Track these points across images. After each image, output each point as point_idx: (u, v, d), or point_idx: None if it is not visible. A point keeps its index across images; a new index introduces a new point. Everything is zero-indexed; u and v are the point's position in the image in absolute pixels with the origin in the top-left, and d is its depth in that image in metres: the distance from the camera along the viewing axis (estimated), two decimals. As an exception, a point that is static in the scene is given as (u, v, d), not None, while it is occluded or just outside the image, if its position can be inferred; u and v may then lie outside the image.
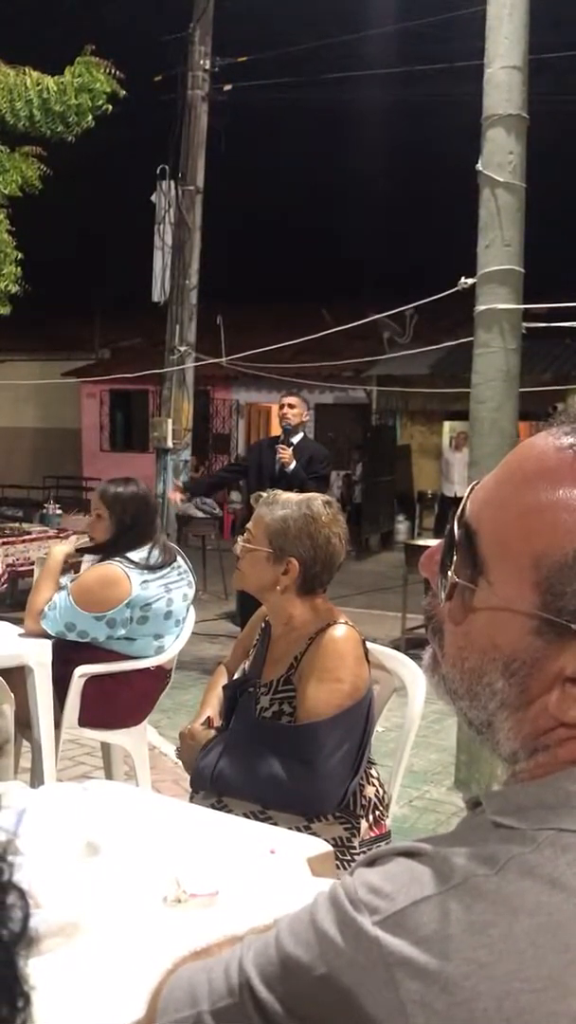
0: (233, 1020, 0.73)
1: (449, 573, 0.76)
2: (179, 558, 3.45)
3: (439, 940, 0.63)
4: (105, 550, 3.35)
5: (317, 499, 2.32)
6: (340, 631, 2.23)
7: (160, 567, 3.30)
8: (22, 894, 0.53)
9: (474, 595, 0.74)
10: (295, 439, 6.07)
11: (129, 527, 3.33)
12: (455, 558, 0.76)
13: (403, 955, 0.64)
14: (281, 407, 6.18)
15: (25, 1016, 0.52)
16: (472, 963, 0.62)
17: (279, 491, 2.39)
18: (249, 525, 2.36)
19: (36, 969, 0.54)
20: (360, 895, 0.68)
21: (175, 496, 7.20)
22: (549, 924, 0.62)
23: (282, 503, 2.30)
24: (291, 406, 6.12)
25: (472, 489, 0.79)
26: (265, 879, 1.58)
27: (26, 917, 0.52)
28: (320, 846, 1.77)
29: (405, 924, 0.65)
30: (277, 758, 2.15)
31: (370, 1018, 0.65)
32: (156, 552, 3.32)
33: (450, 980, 0.62)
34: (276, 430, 6.68)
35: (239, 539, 2.38)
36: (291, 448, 5.98)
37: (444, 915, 0.64)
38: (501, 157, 4.25)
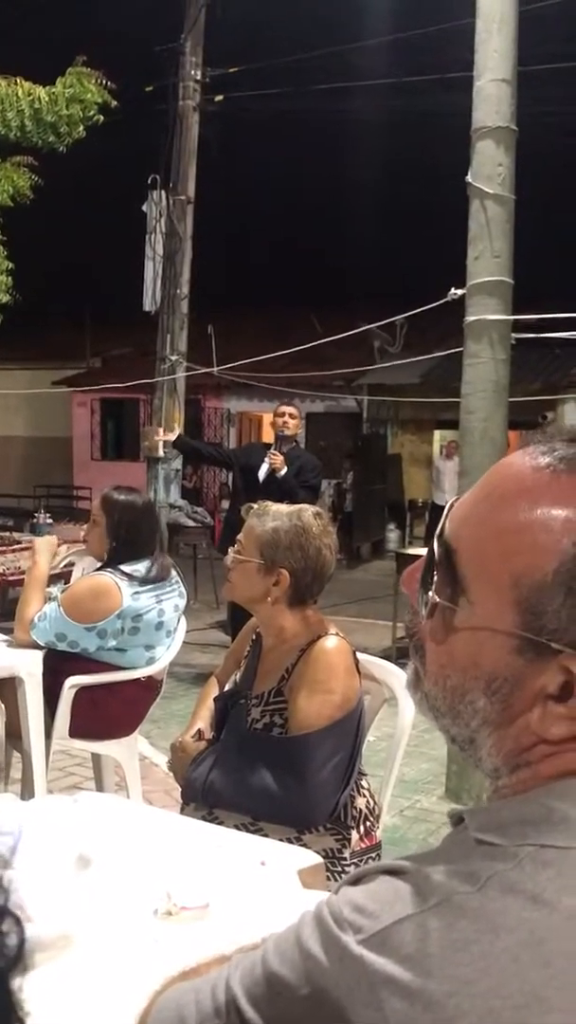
0: None
1: (429, 592, 0.76)
2: (173, 572, 3.43)
3: (422, 958, 0.64)
4: (104, 561, 3.34)
5: (308, 510, 2.32)
6: (331, 642, 2.23)
7: (154, 581, 3.29)
8: (17, 920, 0.53)
9: (455, 614, 0.75)
10: (285, 448, 6.08)
11: (125, 538, 3.30)
12: (435, 577, 0.76)
13: (387, 973, 0.64)
14: (281, 415, 6.17)
15: None
16: (455, 980, 0.62)
17: (269, 502, 2.39)
18: (240, 536, 2.36)
19: (27, 984, 0.54)
20: (344, 914, 0.69)
21: (159, 437, 6.97)
22: (531, 940, 0.62)
23: (273, 514, 2.30)
24: (292, 416, 6.13)
25: (451, 507, 0.79)
26: (256, 891, 1.58)
27: (21, 943, 0.53)
28: (311, 858, 1.77)
29: (389, 942, 0.65)
30: (268, 770, 2.15)
31: None
32: (155, 568, 3.28)
33: (433, 998, 0.62)
34: (268, 438, 6.69)
35: (230, 550, 2.39)
36: (281, 455, 5.99)
37: (427, 933, 0.64)
38: (490, 169, 4.28)
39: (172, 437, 7.18)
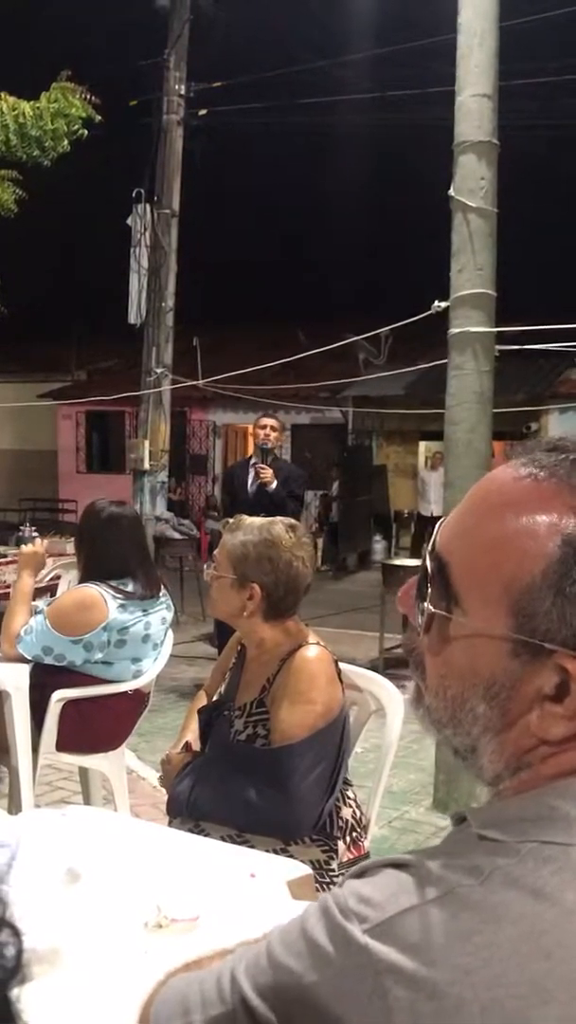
0: None
1: (425, 605, 0.79)
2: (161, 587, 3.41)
3: (426, 948, 0.65)
4: (84, 574, 3.33)
5: (279, 523, 2.31)
6: (312, 652, 2.24)
7: (140, 598, 3.25)
8: (15, 931, 0.54)
9: (450, 624, 0.77)
10: (269, 459, 6.09)
11: (89, 552, 3.26)
12: (430, 590, 0.79)
13: (391, 962, 0.66)
14: (263, 427, 6.17)
15: None
16: (457, 970, 0.64)
17: (245, 516, 2.39)
18: (216, 552, 2.37)
19: (22, 996, 0.55)
20: (350, 904, 0.70)
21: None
22: (532, 932, 0.64)
23: (244, 528, 2.30)
24: (274, 428, 6.14)
25: (441, 523, 0.82)
26: (245, 903, 1.58)
27: (19, 954, 0.53)
28: (300, 869, 1.78)
29: (393, 932, 0.67)
30: (251, 782, 2.15)
31: None
32: (136, 586, 3.23)
33: (436, 986, 0.64)
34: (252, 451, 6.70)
35: (205, 567, 2.40)
36: (269, 468, 6.00)
37: (431, 923, 0.66)
38: (473, 183, 4.32)
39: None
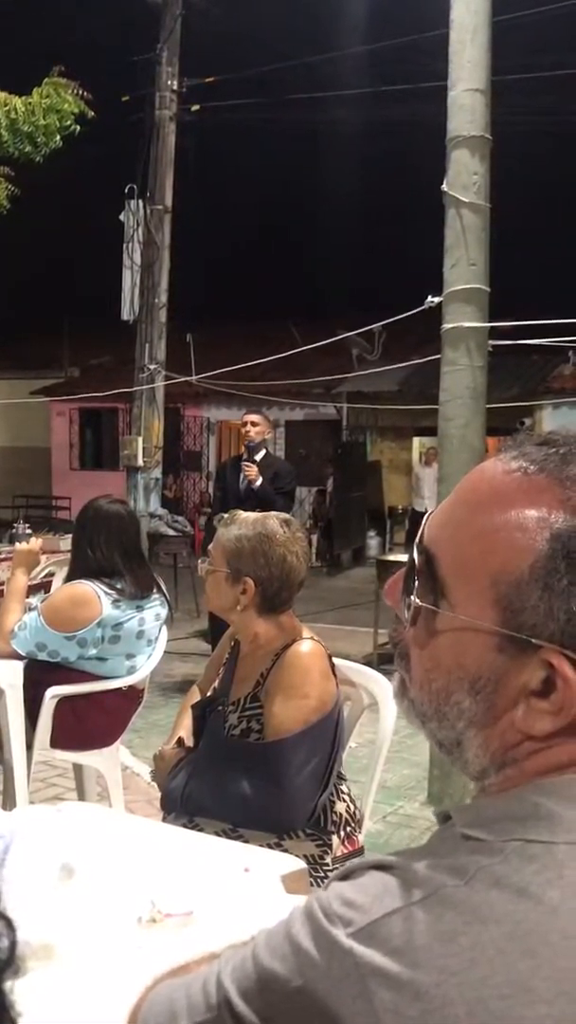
0: None
1: (411, 598, 0.79)
2: (155, 587, 3.40)
3: (411, 950, 0.65)
4: (70, 571, 3.33)
5: (272, 518, 2.32)
6: (305, 646, 2.24)
7: (131, 597, 3.25)
8: (9, 923, 0.54)
9: (437, 617, 0.77)
10: (258, 456, 6.10)
11: (75, 553, 3.26)
12: (416, 583, 0.79)
13: (376, 965, 0.66)
14: (244, 424, 6.23)
15: None
16: (443, 971, 0.64)
17: (238, 511, 2.40)
18: (210, 546, 2.38)
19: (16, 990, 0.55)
20: (334, 908, 0.70)
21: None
22: (516, 932, 0.64)
23: (238, 523, 2.32)
24: (253, 423, 6.16)
25: (428, 516, 0.82)
26: (240, 898, 1.58)
27: (12, 945, 0.53)
28: (294, 864, 1.78)
29: (378, 935, 0.67)
30: (246, 776, 2.16)
31: None
32: (125, 584, 3.22)
33: (422, 988, 0.64)
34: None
35: (199, 561, 2.40)
36: (255, 465, 6.01)
37: (415, 925, 0.66)
38: (466, 178, 4.32)
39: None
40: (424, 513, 0.84)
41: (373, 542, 15.08)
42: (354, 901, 0.70)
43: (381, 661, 6.33)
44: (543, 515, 0.72)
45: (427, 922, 0.66)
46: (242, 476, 6.03)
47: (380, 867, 0.72)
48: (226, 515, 2.39)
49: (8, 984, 0.53)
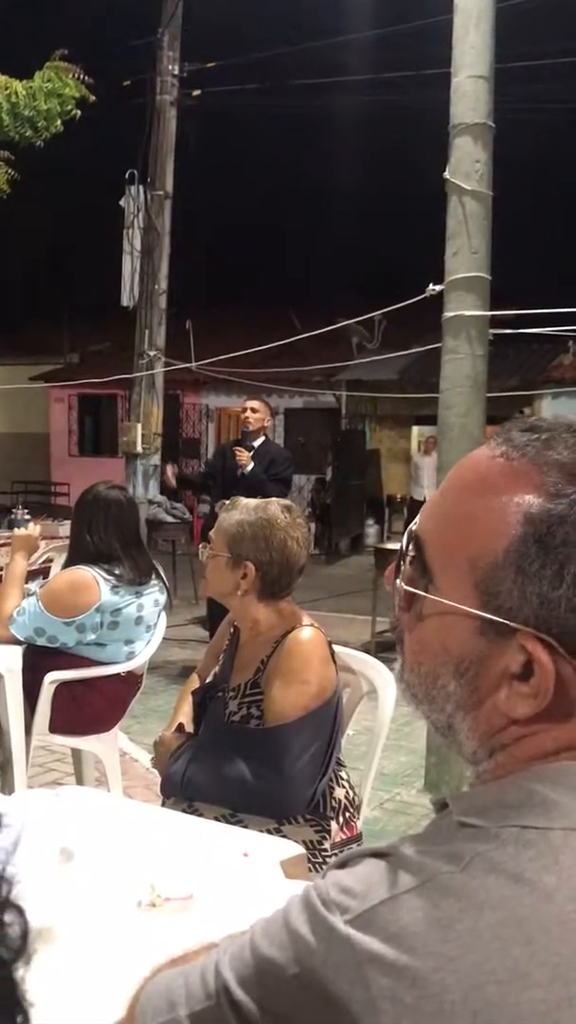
0: (211, 1022, 0.74)
1: (399, 582, 0.81)
2: (154, 574, 3.41)
3: (408, 936, 0.65)
4: (68, 557, 3.34)
5: (275, 503, 2.34)
6: (305, 633, 2.25)
7: (129, 583, 3.25)
8: (20, 911, 0.54)
9: (423, 602, 0.78)
10: (256, 443, 6.09)
11: (71, 542, 3.26)
12: (407, 568, 0.81)
13: (373, 952, 0.66)
14: (243, 410, 6.22)
15: None
16: (440, 957, 0.64)
17: (240, 497, 2.42)
18: (211, 531, 2.39)
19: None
20: (332, 895, 0.71)
21: (171, 473, 7.47)
22: (513, 918, 0.64)
23: (240, 508, 2.33)
24: (253, 410, 6.14)
25: (424, 505, 0.84)
26: (239, 882, 1.59)
27: (24, 934, 0.53)
28: (293, 849, 1.79)
29: (375, 922, 0.67)
30: (246, 762, 2.17)
31: (344, 1015, 0.66)
32: (123, 570, 3.23)
33: (419, 974, 0.64)
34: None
35: (200, 546, 2.41)
36: (252, 452, 6.00)
37: (412, 912, 0.66)
38: (468, 165, 4.30)
39: (173, 474, 7.46)
40: (422, 502, 0.86)
41: (371, 530, 15.09)
42: (351, 888, 0.70)
43: (379, 649, 6.33)
44: (519, 499, 0.73)
45: (424, 909, 0.66)
46: (236, 460, 6.03)
47: (377, 854, 0.73)
48: (228, 501, 2.40)
49: (20, 972, 0.53)
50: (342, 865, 0.75)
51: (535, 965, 0.63)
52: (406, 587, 0.80)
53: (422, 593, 0.78)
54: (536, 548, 0.71)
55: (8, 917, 0.53)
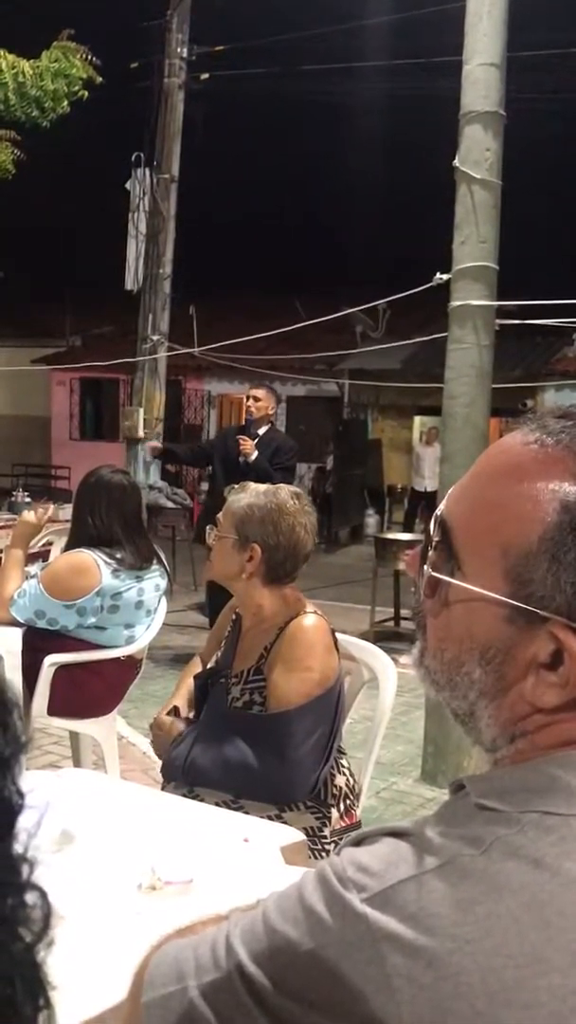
0: (220, 995, 0.74)
1: (426, 568, 0.80)
2: (155, 559, 3.40)
3: (425, 917, 0.65)
4: (69, 540, 3.33)
5: (285, 489, 2.35)
6: (309, 620, 2.25)
7: (129, 567, 3.25)
8: (43, 894, 0.53)
9: (450, 588, 0.78)
10: (260, 431, 6.06)
11: (81, 521, 3.26)
12: (433, 554, 0.80)
13: (390, 931, 0.66)
14: (248, 398, 6.19)
15: (49, 1013, 0.53)
16: (457, 939, 0.64)
17: (249, 482, 2.42)
18: (219, 515, 2.39)
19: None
20: (348, 873, 0.70)
21: (151, 447, 7.58)
22: (532, 902, 0.64)
23: (250, 492, 2.35)
24: (256, 399, 6.10)
25: (451, 489, 0.83)
26: (239, 867, 1.59)
27: (47, 917, 0.52)
28: (293, 835, 1.79)
29: (393, 901, 0.67)
30: (248, 747, 2.17)
31: (357, 992, 0.66)
32: (124, 555, 3.22)
33: (436, 956, 0.64)
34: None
35: (208, 529, 2.41)
36: (256, 440, 5.97)
37: (431, 893, 0.66)
38: (478, 154, 4.27)
39: (158, 446, 7.57)
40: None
41: (372, 520, 15.07)
42: (368, 867, 0.70)
43: (377, 639, 6.34)
44: (555, 487, 0.72)
45: (443, 890, 0.66)
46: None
47: (394, 834, 0.72)
48: (236, 486, 2.40)
49: (42, 955, 0.53)
50: (358, 843, 0.74)
51: (553, 950, 0.63)
52: (434, 574, 0.79)
53: (449, 579, 0.77)
54: (572, 536, 0.70)
55: (31, 898, 0.53)
